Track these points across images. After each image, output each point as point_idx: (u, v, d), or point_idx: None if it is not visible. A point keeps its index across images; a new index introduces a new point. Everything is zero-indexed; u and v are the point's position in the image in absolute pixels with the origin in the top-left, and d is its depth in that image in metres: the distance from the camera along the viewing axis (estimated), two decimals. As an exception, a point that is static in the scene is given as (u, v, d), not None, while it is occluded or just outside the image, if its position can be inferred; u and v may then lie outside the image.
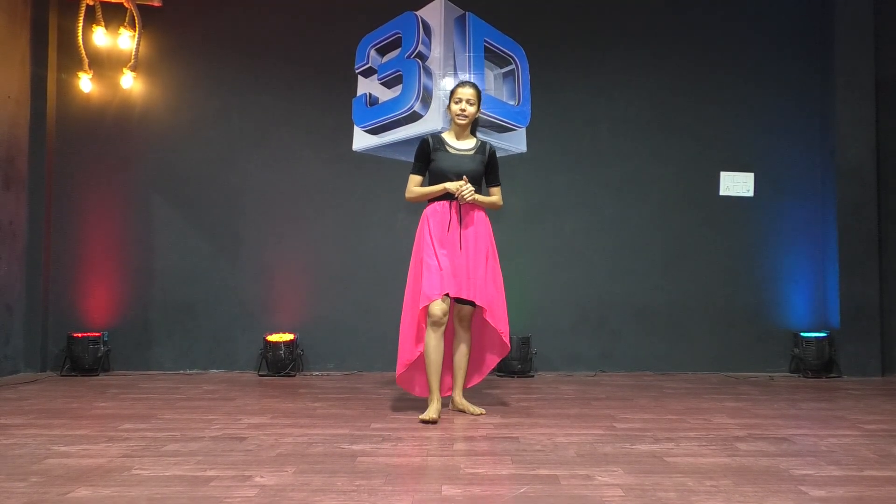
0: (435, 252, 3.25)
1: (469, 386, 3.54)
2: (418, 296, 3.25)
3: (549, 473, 2.26)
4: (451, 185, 3.26)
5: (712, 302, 5.03)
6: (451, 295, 3.23)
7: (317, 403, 3.68)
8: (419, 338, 3.28)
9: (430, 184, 3.38)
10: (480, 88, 3.52)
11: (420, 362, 3.33)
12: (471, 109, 3.35)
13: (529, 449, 2.62)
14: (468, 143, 3.41)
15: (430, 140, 3.38)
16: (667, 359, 4.97)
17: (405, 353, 3.31)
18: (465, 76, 4.98)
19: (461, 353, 3.38)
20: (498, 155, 4.91)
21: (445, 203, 3.32)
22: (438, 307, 3.22)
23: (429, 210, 3.36)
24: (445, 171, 3.30)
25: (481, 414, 3.32)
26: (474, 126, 3.47)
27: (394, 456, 2.54)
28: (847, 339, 4.83)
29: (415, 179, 3.40)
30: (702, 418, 3.25)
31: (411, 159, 3.45)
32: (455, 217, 3.29)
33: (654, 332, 5.01)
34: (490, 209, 3.45)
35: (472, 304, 3.30)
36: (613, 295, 5.03)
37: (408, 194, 3.42)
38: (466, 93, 3.34)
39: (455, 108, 3.35)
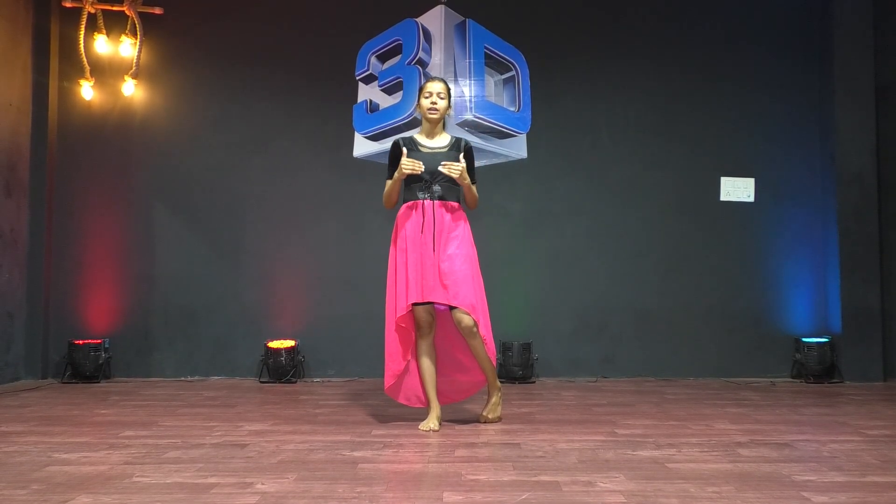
0: (406, 260, 3.16)
1: (444, 403, 3.33)
2: (394, 306, 3.20)
3: (551, 480, 2.26)
4: (398, 171, 3.15)
5: (713, 307, 5.02)
6: (420, 301, 3.12)
7: (318, 410, 3.67)
8: (404, 348, 3.23)
9: (406, 187, 3.26)
10: (450, 86, 3.38)
11: (406, 371, 3.28)
12: (442, 103, 3.24)
13: (531, 455, 2.61)
14: (441, 141, 3.29)
15: (401, 142, 3.25)
16: (668, 364, 4.96)
17: (392, 363, 3.23)
18: (465, 82, 4.99)
19: (478, 356, 3.18)
20: (498, 161, 5.01)
21: (419, 203, 3.20)
22: (420, 316, 3.18)
23: (401, 212, 3.27)
24: (420, 172, 3.17)
25: (485, 421, 3.26)
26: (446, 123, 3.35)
27: (395, 462, 2.53)
28: (848, 343, 4.82)
29: (387, 184, 3.28)
30: (703, 424, 3.24)
31: None
32: (429, 217, 3.17)
33: (655, 337, 5.00)
34: (468, 207, 3.33)
35: (462, 310, 3.10)
36: (614, 300, 5.02)
37: (384, 200, 3.32)
38: (436, 87, 3.25)
39: (425, 102, 3.25)
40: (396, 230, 3.28)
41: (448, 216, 3.21)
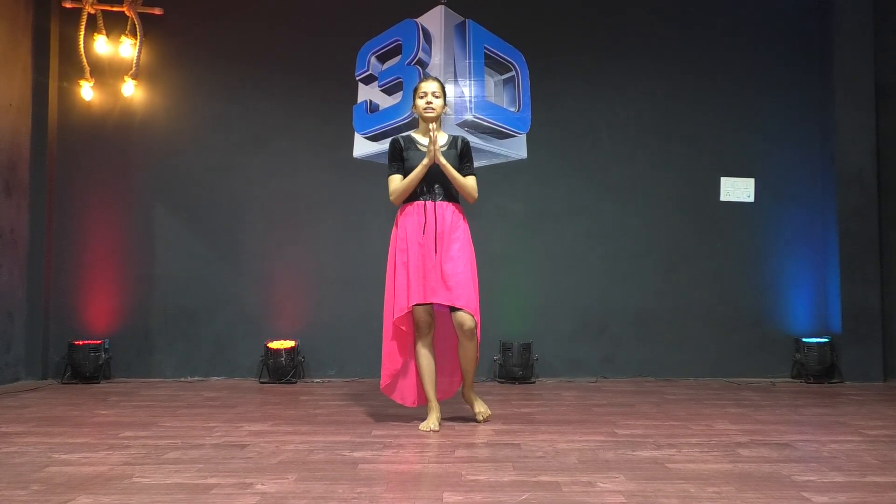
0: (407, 260, 3.17)
1: (440, 400, 3.33)
2: (392, 306, 3.20)
3: (551, 480, 2.26)
4: (426, 157, 3.13)
5: (713, 307, 5.02)
6: (422, 302, 3.14)
7: (318, 410, 3.67)
8: (401, 348, 3.24)
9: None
10: (444, 84, 3.38)
11: (402, 370, 3.29)
12: (437, 102, 3.24)
13: (531, 455, 2.61)
14: (439, 140, 3.28)
15: (401, 140, 3.28)
16: (668, 365, 4.96)
17: (389, 363, 3.24)
18: (465, 83, 4.99)
19: (466, 359, 3.22)
20: (498, 161, 5.01)
21: (419, 203, 3.21)
22: (420, 317, 3.19)
23: (401, 213, 3.26)
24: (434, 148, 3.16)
25: (485, 419, 3.26)
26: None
27: (395, 463, 2.53)
28: (848, 344, 4.82)
29: (395, 178, 3.26)
30: (703, 424, 3.24)
31: None
32: (430, 217, 3.19)
33: (655, 337, 5.00)
34: (466, 203, 3.32)
35: (461, 310, 3.11)
36: (614, 301, 5.02)
37: (392, 195, 3.27)
38: (431, 86, 3.25)
39: (420, 103, 3.24)
40: (396, 230, 3.28)
41: (449, 216, 3.21)
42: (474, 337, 3.15)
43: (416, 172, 3.18)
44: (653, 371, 4.96)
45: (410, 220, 3.21)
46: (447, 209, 3.22)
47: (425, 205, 3.21)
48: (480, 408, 3.31)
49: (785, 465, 2.45)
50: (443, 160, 3.17)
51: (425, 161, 3.16)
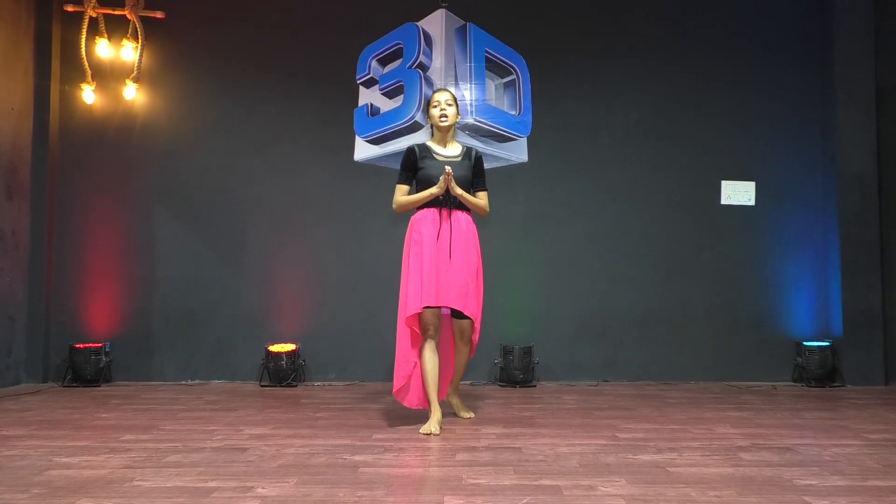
0: (421, 263, 3.21)
1: (442, 399, 3.49)
2: (405, 307, 3.25)
3: (552, 484, 2.26)
4: (437, 187, 3.22)
5: (714, 311, 5.02)
6: (433, 304, 3.19)
7: (318, 414, 3.67)
8: (415, 350, 3.26)
9: (417, 192, 3.35)
10: (457, 95, 3.56)
11: (414, 373, 3.32)
12: (451, 111, 3.34)
13: (532, 459, 2.61)
14: (454, 150, 3.40)
15: (417, 149, 3.35)
16: (669, 368, 4.96)
17: (405, 363, 3.26)
18: (466, 86, 5.00)
19: (462, 361, 3.45)
20: (499, 165, 5.02)
21: (435, 210, 3.29)
22: (428, 320, 3.23)
23: (416, 217, 3.33)
24: (434, 178, 3.26)
25: (469, 417, 3.47)
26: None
27: (396, 466, 2.53)
28: (850, 347, 4.81)
29: (402, 189, 3.36)
30: (704, 428, 3.24)
31: None
32: (445, 225, 3.27)
33: (656, 341, 5.00)
34: (476, 214, 3.41)
35: (467, 317, 3.30)
36: (615, 304, 5.02)
37: (395, 205, 3.38)
38: (443, 96, 3.36)
39: (434, 112, 3.34)
40: (411, 233, 3.34)
41: (462, 224, 3.32)
42: (471, 342, 3.37)
43: (423, 196, 3.28)
44: (654, 374, 4.95)
45: (425, 226, 3.28)
46: (462, 218, 3.32)
47: (441, 212, 3.29)
48: (466, 412, 3.53)
49: (786, 469, 2.45)
50: (459, 190, 3.26)
51: (434, 190, 3.24)
